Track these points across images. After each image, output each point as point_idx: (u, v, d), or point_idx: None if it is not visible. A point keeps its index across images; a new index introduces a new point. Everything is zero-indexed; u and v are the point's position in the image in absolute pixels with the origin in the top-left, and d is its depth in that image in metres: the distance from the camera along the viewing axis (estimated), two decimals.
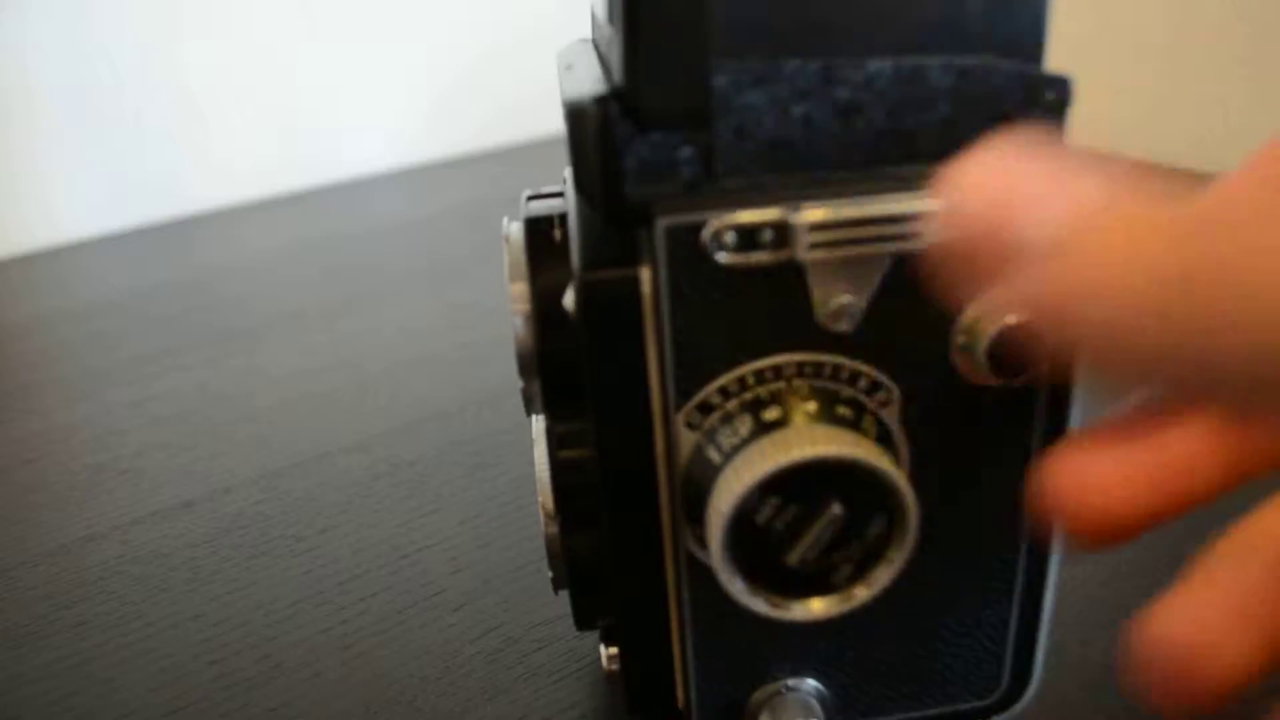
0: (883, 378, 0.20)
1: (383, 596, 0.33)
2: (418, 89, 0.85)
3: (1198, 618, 0.12)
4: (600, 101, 0.18)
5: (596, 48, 0.23)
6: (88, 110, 0.72)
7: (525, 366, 0.23)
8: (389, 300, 0.58)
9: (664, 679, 0.23)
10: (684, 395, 0.19)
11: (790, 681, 0.23)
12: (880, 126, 0.18)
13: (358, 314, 0.57)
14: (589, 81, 0.20)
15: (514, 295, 0.22)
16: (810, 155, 0.18)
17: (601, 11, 0.21)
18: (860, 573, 0.19)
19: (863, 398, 0.20)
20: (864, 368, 0.19)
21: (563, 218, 0.22)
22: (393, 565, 0.35)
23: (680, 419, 0.19)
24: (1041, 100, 0.18)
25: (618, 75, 0.18)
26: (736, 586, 0.19)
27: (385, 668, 0.30)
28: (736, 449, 0.19)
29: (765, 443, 0.19)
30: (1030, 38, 0.19)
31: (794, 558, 0.19)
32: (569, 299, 0.19)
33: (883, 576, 0.19)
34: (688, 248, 0.18)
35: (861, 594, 0.19)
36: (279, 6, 0.77)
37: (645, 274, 0.19)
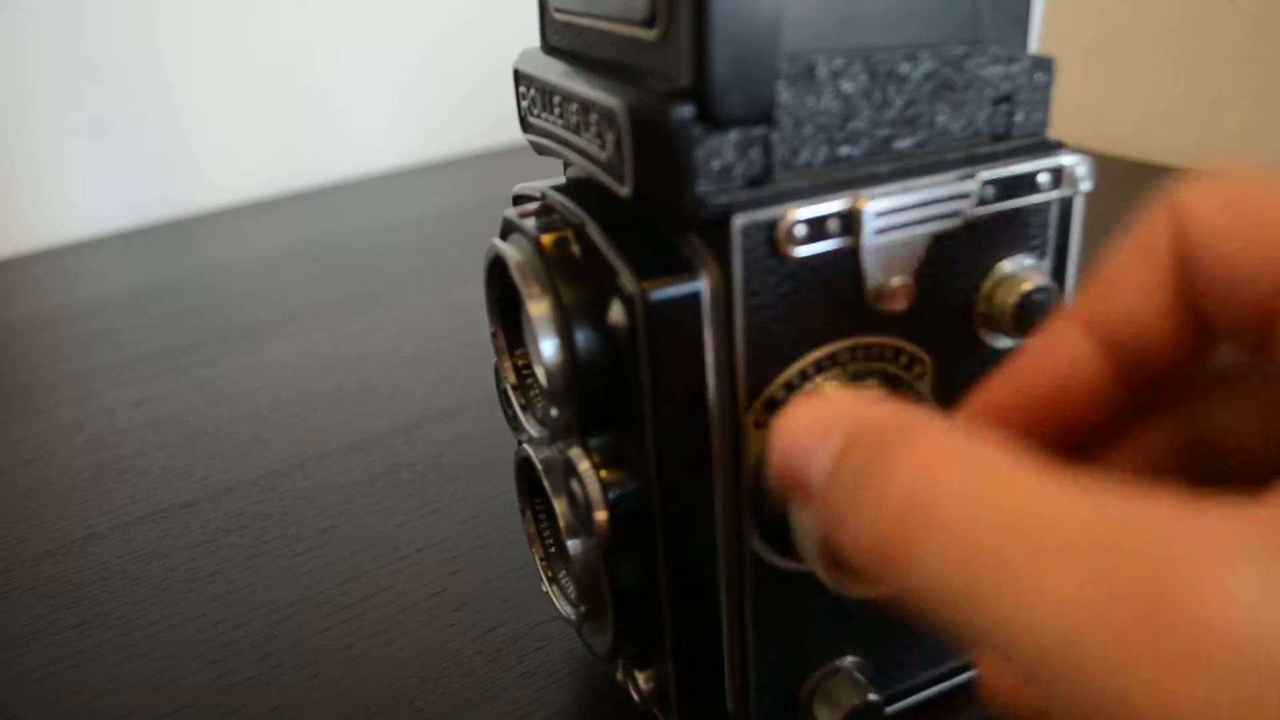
0: (919, 351, 0.21)
1: (383, 596, 0.33)
2: (419, 89, 0.85)
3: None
4: (673, 102, 0.17)
5: (577, 54, 0.23)
6: (88, 111, 0.72)
7: (560, 393, 0.21)
8: (389, 300, 0.58)
9: (714, 687, 0.23)
10: (752, 394, 0.19)
11: (835, 662, 0.23)
12: (913, 114, 0.19)
13: (358, 314, 0.57)
14: (619, 86, 0.19)
15: (537, 318, 0.21)
16: (855, 145, 0.19)
17: (610, 14, 0.21)
18: None
19: (903, 373, 0.21)
20: (904, 344, 0.21)
21: (579, 231, 0.21)
22: (393, 565, 0.35)
23: (749, 419, 0.20)
24: (1033, 80, 0.20)
25: (668, 77, 0.18)
26: (836, 576, 0.19)
27: (385, 668, 0.30)
28: None
29: None
30: (1021, 24, 0.20)
31: None
32: (616, 313, 0.19)
33: None
34: (762, 244, 0.18)
35: None
36: (280, 7, 0.77)
37: (710, 277, 0.19)
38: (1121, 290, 0.16)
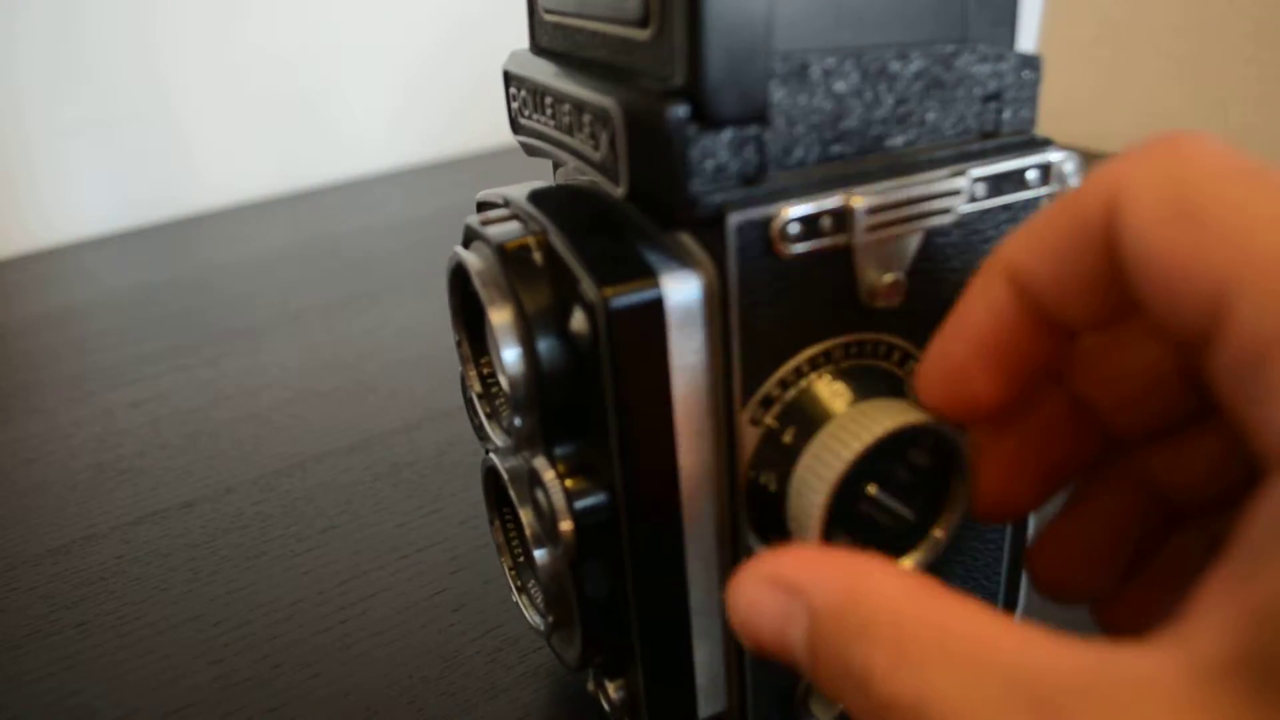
0: (912, 347, 0.21)
1: (383, 596, 0.33)
2: (418, 89, 0.85)
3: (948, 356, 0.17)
4: (667, 102, 0.17)
5: (568, 55, 0.23)
6: (88, 111, 0.72)
7: (524, 402, 0.21)
8: (389, 300, 0.58)
9: (685, 696, 0.23)
10: (747, 392, 0.19)
11: None
12: (904, 112, 0.19)
13: (358, 314, 0.57)
14: (611, 84, 0.19)
15: (498, 326, 0.21)
16: (847, 143, 0.19)
17: (602, 14, 0.21)
18: (933, 518, 0.21)
19: (896, 369, 0.21)
20: (897, 340, 0.21)
21: (541, 239, 0.21)
22: (393, 565, 0.35)
23: (745, 417, 0.20)
24: (1021, 78, 0.20)
25: (661, 77, 0.18)
26: None
27: (385, 668, 0.30)
28: (809, 436, 0.19)
29: (845, 423, 0.19)
30: (1008, 22, 0.20)
31: (888, 520, 0.20)
32: (578, 321, 0.19)
33: (955, 518, 0.20)
34: (756, 242, 0.18)
35: (940, 535, 0.20)
36: (280, 7, 0.77)
37: (705, 276, 0.19)
38: (1047, 246, 0.16)
